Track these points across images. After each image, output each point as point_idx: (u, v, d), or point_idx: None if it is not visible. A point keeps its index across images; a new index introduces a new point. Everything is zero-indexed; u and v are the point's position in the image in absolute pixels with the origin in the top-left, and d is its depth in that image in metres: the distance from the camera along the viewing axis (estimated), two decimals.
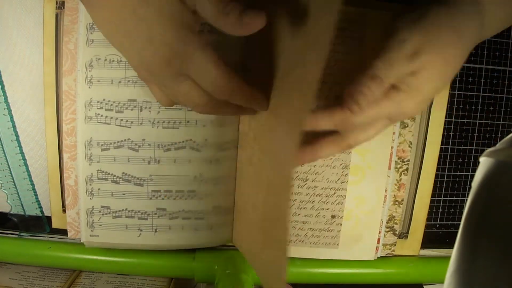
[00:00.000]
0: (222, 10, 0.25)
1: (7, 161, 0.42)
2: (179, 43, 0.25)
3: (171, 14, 0.24)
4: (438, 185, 0.45)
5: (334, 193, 0.41)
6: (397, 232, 0.43)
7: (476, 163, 0.41)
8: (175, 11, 0.25)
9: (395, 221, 0.43)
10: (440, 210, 0.46)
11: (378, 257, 0.43)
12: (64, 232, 0.44)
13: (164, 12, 0.24)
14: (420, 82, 0.30)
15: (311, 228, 0.41)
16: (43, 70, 0.40)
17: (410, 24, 0.30)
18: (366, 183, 0.41)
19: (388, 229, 0.43)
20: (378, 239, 0.42)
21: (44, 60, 0.40)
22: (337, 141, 0.33)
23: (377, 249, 0.43)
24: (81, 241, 0.42)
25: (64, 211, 0.43)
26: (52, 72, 0.40)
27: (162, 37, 0.25)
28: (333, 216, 0.41)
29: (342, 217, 0.41)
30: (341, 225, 0.41)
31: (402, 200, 0.43)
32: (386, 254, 0.44)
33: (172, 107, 0.37)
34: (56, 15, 0.39)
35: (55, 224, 0.44)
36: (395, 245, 0.44)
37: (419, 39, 0.29)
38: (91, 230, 0.41)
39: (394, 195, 0.42)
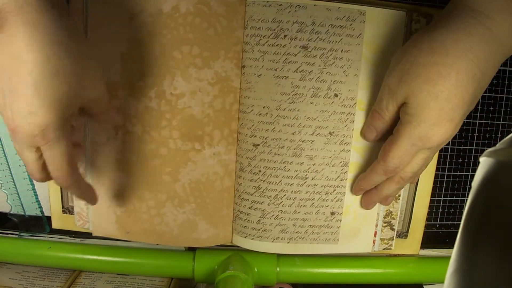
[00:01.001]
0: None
1: (7, 161, 0.42)
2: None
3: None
4: (438, 185, 0.45)
5: (334, 191, 0.41)
6: (394, 227, 0.43)
7: (476, 163, 0.41)
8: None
9: (392, 216, 0.43)
10: (440, 210, 0.46)
11: (375, 251, 0.44)
12: (64, 232, 0.44)
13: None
14: (411, 112, 0.32)
15: (311, 225, 0.41)
16: None
17: (398, 75, 0.33)
18: None
19: (385, 224, 0.43)
20: (375, 232, 0.43)
21: None
22: (391, 180, 0.37)
23: (374, 242, 0.43)
24: (90, 229, 0.42)
25: (64, 211, 0.43)
26: None
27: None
28: (332, 213, 0.41)
29: (341, 213, 0.41)
30: (340, 221, 0.42)
31: (399, 195, 0.43)
32: (384, 249, 0.44)
33: None
34: None
35: (55, 225, 0.44)
36: (393, 239, 0.44)
37: (405, 93, 0.32)
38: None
39: None
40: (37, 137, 0.28)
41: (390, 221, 0.43)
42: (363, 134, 0.39)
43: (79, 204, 0.42)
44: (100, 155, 0.39)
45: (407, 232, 0.45)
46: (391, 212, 0.43)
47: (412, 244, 0.45)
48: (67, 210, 0.43)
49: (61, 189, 0.43)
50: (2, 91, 0.27)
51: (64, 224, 0.44)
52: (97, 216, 0.41)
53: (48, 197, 0.43)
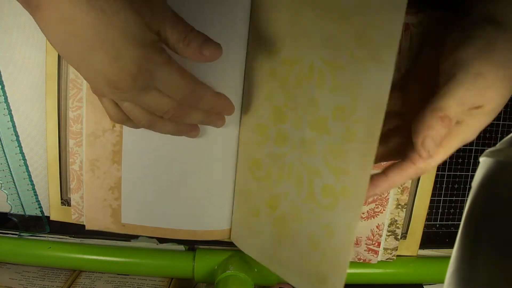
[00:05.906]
0: (183, 40, 0.27)
1: (7, 161, 0.42)
2: (144, 61, 0.26)
3: (134, 35, 0.25)
4: (438, 185, 0.45)
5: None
6: (398, 237, 0.43)
7: (476, 163, 0.41)
8: (139, 32, 0.25)
9: (397, 225, 0.42)
10: (440, 210, 0.46)
11: (378, 261, 0.43)
12: (64, 231, 0.44)
13: (127, 33, 0.25)
14: (484, 111, 0.29)
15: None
16: (45, 61, 0.40)
17: (480, 55, 0.28)
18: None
19: (389, 233, 0.42)
20: (379, 243, 0.42)
21: (46, 51, 0.40)
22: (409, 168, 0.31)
23: (377, 252, 0.42)
24: (84, 223, 0.41)
25: (62, 203, 0.43)
26: (55, 62, 0.40)
27: (128, 56, 0.25)
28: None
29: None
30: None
31: (405, 204, 0.42)
32: (387, 259, 0.43)
33: None
34: None
35: (53, 216, 0.43)
36: (396, 249, 0.43)
37: (492, 74, 0.28)
38: None
39: (397, 199, 0.42)
40: None
41: (395, 230, 0.42)
42: (429, 152, 0.29)
43: (74, 198, 0.42)
44: (96, 148, 0.39)
45: (406, 233, 0.44)
46: (396, 221, 0.42)
47: (411, 245, 0.45)
48: (66, 202, 0.43)
49: (60, 180, 0.43)
50: None
51: (62, 216, 0.43)
52: (92, 209, 0.41)
53: (47, 188, 0.43)
